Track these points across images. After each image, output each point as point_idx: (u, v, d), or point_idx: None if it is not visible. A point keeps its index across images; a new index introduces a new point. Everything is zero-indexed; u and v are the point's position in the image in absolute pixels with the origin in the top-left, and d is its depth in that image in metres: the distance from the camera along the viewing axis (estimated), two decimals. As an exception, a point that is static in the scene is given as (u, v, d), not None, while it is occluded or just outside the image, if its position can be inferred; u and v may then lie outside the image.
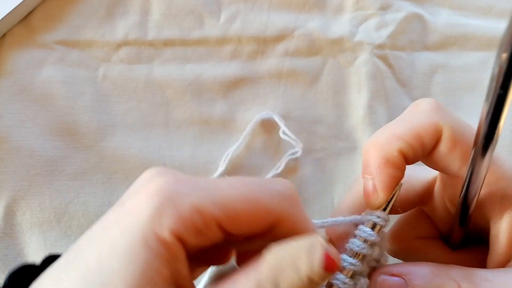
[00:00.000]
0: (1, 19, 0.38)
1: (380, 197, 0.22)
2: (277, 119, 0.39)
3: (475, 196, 0.22)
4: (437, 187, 0.26)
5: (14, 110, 0.38)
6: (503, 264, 0.23)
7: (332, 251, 0.18)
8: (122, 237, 0.18)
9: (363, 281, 0.22)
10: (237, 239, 0.21)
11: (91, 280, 0.17)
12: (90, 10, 0.41)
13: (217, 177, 0.39)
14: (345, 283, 0.21)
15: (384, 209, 0.23)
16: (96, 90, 0.39)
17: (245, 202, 0.19)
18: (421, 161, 0.24)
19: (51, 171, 0.37)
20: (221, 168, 0.39)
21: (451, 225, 0.25)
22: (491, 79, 0.19)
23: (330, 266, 0.18)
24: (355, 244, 0.22)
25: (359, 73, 0.41)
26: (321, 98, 0.41)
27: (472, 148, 0.21)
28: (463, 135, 0.22)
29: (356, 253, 0.22)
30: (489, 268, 0.24)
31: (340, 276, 0.21)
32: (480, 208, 0.23)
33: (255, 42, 0.41)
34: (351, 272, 0.22)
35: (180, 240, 0.18)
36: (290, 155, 0.39)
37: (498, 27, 0.43)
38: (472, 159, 0.21)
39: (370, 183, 0.22)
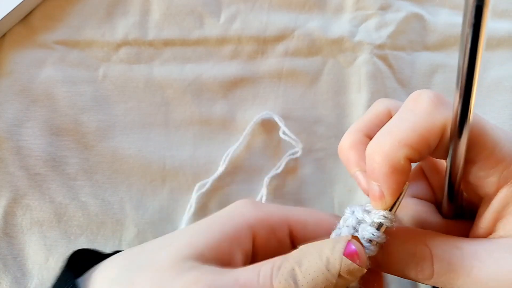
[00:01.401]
0: (1, 19, 0.38)
1: (387, 201, 0.23)
2: (277, 119, 0.39)
3: (457, 172, 0.23)
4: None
5: (14, 110, 0.38)
6: (484, 236, 0.24)
7: (358, 246, 0.21)
8: (206, 220, 0.24)
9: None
10: None
11: (170, 237, 0.24)
12: (90, 10, 0.41)
13: (217, 178, 0.39)
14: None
15: (390, 209, 0.23)
16: (96, 90, 0.39)
17: (310, 213, 0.25)
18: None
19: (51, 171, 0.37)
20: (221, 168, 0.39)
21: (442, 198, 0.26)
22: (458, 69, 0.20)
23: (350, 254, 0.20)
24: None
25: (359, 73, 0.41)
26: (321, 98, 0.41)
27: (451, 124, 0.21)
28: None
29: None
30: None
31: None
32: (479, 188, 0.24)
33: (255, 42, 0.41)
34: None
35: (252, 232, 0.23)
36: (290, 155, 0.39)
37: (498, 27, 0.43)
38: (451, 141, 0.22)
39: (376, 188, 0.23)
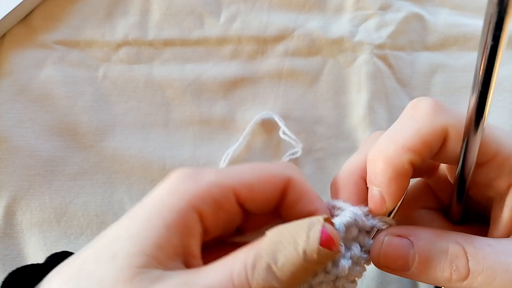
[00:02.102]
0: (1, 19, 0.38)
1: (388, 207, 0.23)
2: (277, 119, 0.39)
3: (469, 173, 0.23)
4: (443, 165, 0.27)
5: (14, 110, 0.38)
6: (504, 236, 0.23)
7: (331, 229, 0.19)
8: (143, 211, 0.20)
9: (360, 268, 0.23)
10: (254, 219, 0.23)
11: (108, 247, 0.19)
12: (90, 10, 0.41)
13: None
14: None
15: (389, 214, 0.23)
16: (96, 90, 0.39)
17: (257, 172, 0.22)
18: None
19: (51, 171, 0.37)
20: (221, 167, 0.39)
21: (451, 200, 0.25)
22: (475, 73, 0.20)
23: (327, 242, 0.19)
24: (358, 253, 0.23)
25: (359, 73, 0.41)
26: (321, 98, 0.41)
27: (465, 126, 0.21)
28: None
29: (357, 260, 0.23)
30: None
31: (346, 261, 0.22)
32: (486, 186, 0.24)
33: (255, 42, 0.41)
34: (353, 277, 0.23)
35: (198, 213, 0.20)
36: (290, 155, 0.39)
37: (498, 27, 0.43)
38: (465, 136, 0.21)
39: (377, 193, 0.23)
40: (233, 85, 0.41)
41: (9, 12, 0.38)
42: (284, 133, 0.39)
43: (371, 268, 0.38)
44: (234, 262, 0.19)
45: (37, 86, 0.39)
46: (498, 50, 0.19)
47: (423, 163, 0.23)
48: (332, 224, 0.20)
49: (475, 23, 0.43)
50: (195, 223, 0.20)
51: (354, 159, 0.26)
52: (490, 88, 0.20)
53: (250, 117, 0.40)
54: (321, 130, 0.41)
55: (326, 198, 0.39)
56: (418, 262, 0.22)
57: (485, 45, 0.19)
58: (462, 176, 0.23)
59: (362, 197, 0.24)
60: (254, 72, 0.41)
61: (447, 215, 0.27)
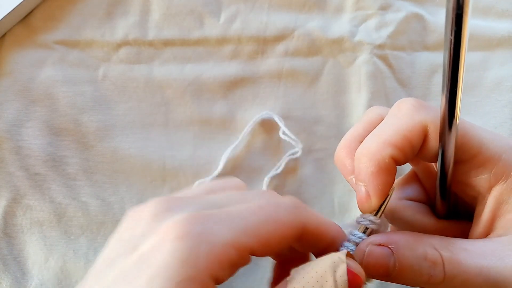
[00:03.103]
0: (1, 19, 0.38)
1: (373, 202, 0.23)
2: (277, 119, 0.39)
3: (449, 169, 0.23)
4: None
5: (14, 110, 0.38)
6: (483, 236, 0.24)
7: (355, 266, 0.19)
8: (150, 285, 0.17)
9: None
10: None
11: None
12: (90, 10, 0.41)
13: (215, 177, 0.39)
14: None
15: (376, 213, 0.24)
16: (96, 90, 0.39)
17: (272, 224, 0.20)
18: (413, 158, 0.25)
19: (51, 171, 0.37)
20: (219, 167, 0.39)
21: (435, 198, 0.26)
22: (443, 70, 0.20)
23: (355, 282, 0.19)
24: (348, 247, 0.23)
25: (359, 73, 0.41)
26: (321, 98, 0.41)
27: (440, 125, 0.22)
28: None
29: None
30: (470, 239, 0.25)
31: None
32: (469, 185, 0.24)
33: (255, 42, 0.41)
34: None
35: (215, 279, 0.18)
36: (290, 155, 0.39)
37: (498, 27, 0.43)
38: (441, 135, 0.22)
39: (363, 189, 0.23)
40: (233, 85, 0.41)
41: (9, 12, 0.38)
42: (284, 133, 0.39)
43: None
44: None
45: (37, 86, 0.39)
46: (461, 46, 0.19)
47: (406, 160, 0.23)
48: (353, 257, 0.20)
49: (475, 23, 0.43)
50: None
51: (353, 129, 0.27)
52: (458, 85, 0.21)
53: (250, 117, 0.40)
54: (321, 130, 0.41)
55: (326, 197, 0.39)
56: (398, 269, 0.23)
57: (449, 42, 0.20)
58: (442, 173, 0.24)
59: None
60: (254, 72, 0.41)
61: (433, 208, 0.28)
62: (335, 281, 0.18)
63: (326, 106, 0.41)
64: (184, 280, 0.17)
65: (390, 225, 0.28)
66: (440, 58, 0.43)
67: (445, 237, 0.24)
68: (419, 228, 0.26)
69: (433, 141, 0.23)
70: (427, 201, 0.28)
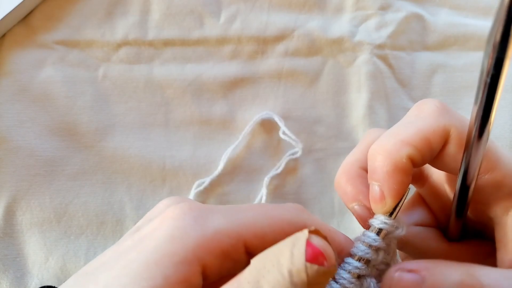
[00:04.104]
0: (1, 19, 0.38)
1: (388, 204, 0.22)
2: (277, 119, 0.39)
3: (471, 185, 0.22)
4: (437, 175, 0.26)
5: (14, 110, 0.38)
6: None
7: (319, 241, 0.17)
8: (137, 257, 0.18)
9: (369, 280, 0.22)
10: None
11: None
12: (90, 10, 0.41)
13: (216, 177, 0.39)
14: (351, 283, 0.21)
15: (391, 214, 0.22)
16: (96, 90, 0.39)
17: (269, 219, 0.20)
18: (429, 164, 0.24)
19: (51, 171, 0.37)
20: (220, 167, 0.39)
21: (449, 217, 0.25)
22: (481, 72, 0.19)
23: (314, 256, 0.16)
24: (359, 248, 0.22)
25: (359, 73, 0.41)
26: (321, 98, 0.41)
27: (467, 137, 0.21)
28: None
29: (361, 258, 0.22)
30: (500, 267, 0.23)
31: (346, 275, 0.22)
32: (483, 204, 0.23)
33: (255, 42, 0.41)
34: (356, 275, 0.22)
35: (202, 265, 0.18)
36: (290, 155, 0.39)
37: (498, 27, 0.43)
38: (467, 147, 0.21)
39: (377, 189, 0.22)
40: (233, 85, 0.41)
41: (9, 12, 0.38)
42: (284, 133, 0.39)
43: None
44: None
45: (37, 86, 0.39)
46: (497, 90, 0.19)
47: (423, 162, 0.22)
48: (324, 237, 0.18)
49: (475, 23, 0.43)
50: (197, 277, 0.18)
51: (352, 154, 0.26)
52: (496, 92, 0.19)
53: (250, 117, 0.40)
54: (321, 130, 0.41)
55: (326, 197, 0.39)
56: None
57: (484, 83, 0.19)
58: (463, 188, 0.22)
59: (367, 186, 0.23)
60: (254, 72, 0.41)
61: (443, 232, 0.26)
62: (292, 253, 0.16)
63: (326, 106, 0.41)
64: (169, 255, 0.17)
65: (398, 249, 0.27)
66: (440, 58, 0.43)
67: (481, 265, 0.21)
68: (432, 254, 0.25)
69: (453, 147, 0.22)
70: (435, 225, 0.27)
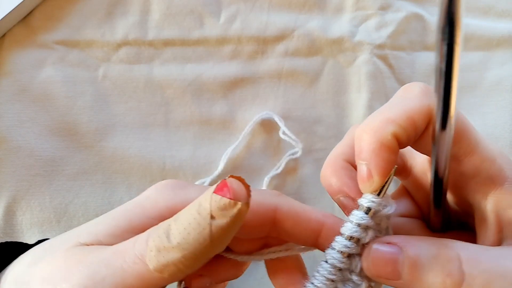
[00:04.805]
0: (1, 19, 0.38)
1: (375, 181, 0.22)
2: (277, 119, 0.39)
3: (444, 175, 0.22)
4: (420, 167, 0.26)
5: (14, 110, 0.38)
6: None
7: (233, 182, 0.18)
8: (119, 208, 0.22)
9: (358, 259, 0.22)
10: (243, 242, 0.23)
11: (74, 230, 0.22)
12: (90, 10, 0.41)
13: (216, 177, 0.39)
14: (341, 262, 0.22)
15: (379, 193, 0.22)
16: (96, 90, 0.39)
17: None
18: (412, 147, 0.24)
19: (51, 171, 0.37)
20: (220, 167, 0.39)
21: (429, 207, 0.25)
22: (436, 61, 0.19)
23: (220, 189, 0.18)
24: (347, 227, 0.22)
25: (359, 73, 0.41)
26: (321, 98, 0.41)
27: (433, 129, 0.21)
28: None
29: (350, 236, 0.22)
30: None
31: (336, 254, 0.22)
32: (463, 190, 0.23)
33: (255, 42, 0.41)
34: (346, 254, 0.22)
35: None
36: (290, 155, 0.39)
37: (498, 27, 0.43)
38: (433, 136, 0.21)
39: (364, 168, 0.22)
40: (233, 85, 0.41)
41: (9, 12, 0.38)
42: (284, 133, 0.39)
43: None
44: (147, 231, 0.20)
45: (37, 86, 0.39)
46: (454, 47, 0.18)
47: (408, 141, 0.22)
48: (246, 186, 0.19)
49: (475, 23, 0.43)
50: None
51: (337, 147, 0.26)
52: (453, 78, 0.19)
53: (250, 117, 0.40)
54: (321, 130, 0.41)
55: (325, 197, 0.39)
56: (408, 268, 0.21)
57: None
58: (437, 178, 0.22)
59: (353, 177, 0.24)
60: (254, 72, 0.41)
61: (427, 222, 0.26)
62: (207, 192, 0.18)
63: (326, 106, 0.41)
64: (139, 207, 0.21)
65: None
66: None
67: (457, 240, 0.22)
68: None
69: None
70: (420, 216, 0.27)
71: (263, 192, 0.23)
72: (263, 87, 0.41)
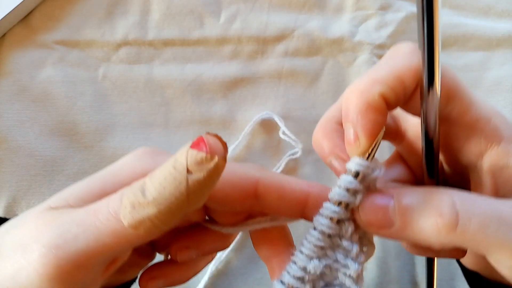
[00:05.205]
0: (1, 19, 0.38)
1: (362, 144, 0.21)
2: (277, 119, 0.39)
3: (434, 134, 0.21)
4: (413, 131, 0.26)
5: (14, 110, 0.38)
6: None
7: (210, 137, 0.18)
8: (96, 173, 0.22)
9: (348, 225, 0.21)
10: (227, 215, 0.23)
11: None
12: (90, 10, 0.41)
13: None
14: (329, 228, 0.21)
15: (368, 157, 0.21)
16: (96, 90, 0.39)
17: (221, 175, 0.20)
18: (401, 108, 0.23)
19: (51, 171, 0.37)
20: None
21: (423, 172, 0.24)
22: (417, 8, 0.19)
23: (197, 144, 0.18)
24: (335, 192, 0.21)
25: (359, 73, 0.41)
26: (321, 98, 0.41)
27: (421, 88, 0.20)
28: (443, 76, 0.21)
29: (338, 201, 0.21)
30: None
31: (324, 221, 0.21)
32: (458, 151, 0.23)
33: (255, 42, 0.41)
34: (335, 219, 0.21)
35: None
36: (290, 155, 0.39)
37: (498, 27, 0.43)
38: (422, 95, 0.20)
39: (351, 131, 0.21)
40: (233, 85, 0.41)
41: (9, 12, 0.38)
42: (284, 133, 0.39)
43: (370, 268, 0.38)
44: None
45: (37, 86, 0.39)
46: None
47: (397, 102, 0.21)
48: (223, 143, 0.18)
49: (475, 23, 0.43)
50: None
51: (329, 111, 0.26)
52: (435, 35, 0.18)
53: (250, 117, 0.40)
54: (321, 130, 0.41)
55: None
56: (400, 213, 0.20)
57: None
58: (428, 141, 0.21)
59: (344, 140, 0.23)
60: (254, 72, 0.41)
61: None
62: (183, 149, 0.18)
63: (326, 106, 0.41)
64: (114, 174, 0.21)
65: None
66: (440, 58, 0.43)
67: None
68: None
69: None
70: (413, 181, 0.27)
71: (244, 165, 0.22)
72: (263, 87, 0.41)
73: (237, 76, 0.41)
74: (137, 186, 0.18)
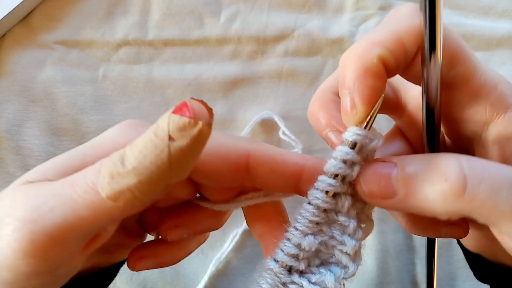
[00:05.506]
0: (1, 19, 0.38)
1: (359, 111, 0.19)
2: (277, 119, 0.39)
3: (435, 103, 0.20)
4: (414, 103, 0.24)
5: (14, 110, 0.38)
6: None
7: (194, 102, 0.16)
8: (79, 146, 0.21)
9: (345, 199, 0.20)
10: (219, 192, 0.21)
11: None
12: (90, 10, 0.41)
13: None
14: (325, 202, 0.20)
15: (366, 126, 0.20)
16: (96, 90, 0.39)
17: (211, 148, 0.19)
18: (401, 75, 0.21)
19: (51, 171, 0.37)
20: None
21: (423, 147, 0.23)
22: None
23: (179, 109, 0.16)
24: (331, 164, 0.20)
25: (359, 73, 0.41)
26: (321, 98, 0.41)
27: (422, 52, 0.19)
28: (446, 39, 0.19)
29: (334, 174, 0.20)
30: None
31: (319, 194, 0.20)
32: (463, 124, 0.21)
33: (255, 42, 0.41)
34: (331, 193, 0.20)
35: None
36: (290, 155, 0.39)
37: (498, 27, 0.43)
38: (423, 59, 0.19)
39: (347, 98, 0.19)
40: (233, 85, 0.41)
41: (9, 12, 0.38)
42: (284, 133, 0.39)
43: (370, 268, 0.38)
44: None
45: (37, 86, 0.39)
46: None
47: (397, 66, 0.20)
48: (209, 108, 0.17)
49: (475, 23, 0.43)
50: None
51: (326, 81, 0.24)
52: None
53: (250, 117, 0.40)
54: (321, 130, 0.40)
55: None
56: (403, 181, 0.18)
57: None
58: (428, 110, 0.20)
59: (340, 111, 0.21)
60: (254, 72, 0.41)
61: None
62: (165, 115, 0.16)
63: (326, 106, 0.41)
64: (97, 147, 0.20)
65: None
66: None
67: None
68: None
69: None
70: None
71: (234, 136, 0.21)
72: (263, 87, 0.41)
73: (237, 76, 0.41)
74: (117, 156, 0.17)
